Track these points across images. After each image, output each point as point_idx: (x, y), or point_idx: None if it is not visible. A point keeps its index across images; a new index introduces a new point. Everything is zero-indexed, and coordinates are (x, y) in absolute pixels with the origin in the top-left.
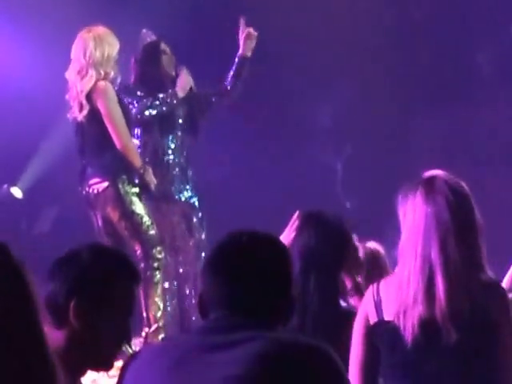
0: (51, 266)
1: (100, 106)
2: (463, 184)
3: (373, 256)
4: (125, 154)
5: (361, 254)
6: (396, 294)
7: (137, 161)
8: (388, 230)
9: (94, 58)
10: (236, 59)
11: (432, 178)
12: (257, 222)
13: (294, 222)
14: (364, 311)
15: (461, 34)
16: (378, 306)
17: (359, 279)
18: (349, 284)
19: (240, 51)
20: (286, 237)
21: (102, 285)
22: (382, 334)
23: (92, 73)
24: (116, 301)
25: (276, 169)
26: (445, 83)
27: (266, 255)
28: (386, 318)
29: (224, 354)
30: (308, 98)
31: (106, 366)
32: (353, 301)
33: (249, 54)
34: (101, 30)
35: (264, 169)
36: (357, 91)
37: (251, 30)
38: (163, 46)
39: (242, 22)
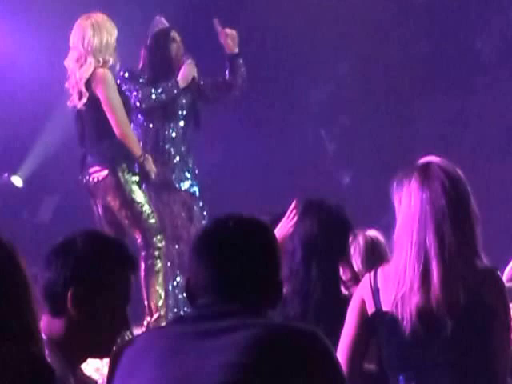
0: (47, 255)
1: (99, 93)
2: (459, 170)
3: (372, 244)
4: (124, 141)
5: (361, 242)
6: (393, 282)
7: (136, 149)
8: (384, 215)
9: (92, 46)
10: (226, 60)
11: (427, 164)
12: (258, 208)
13: (292, 211)
14: (359, 296)
15: (461, 19)
16: (375, 294)
17: (359, 267)
18: (348, 273)
19: (226, 51)
20: (285, 225)
21: (99, 272)
22: (379, 324)
23: (91, 60)
24: (113, 288)
25: (276, 155)
26: (444, 69)
27: (253, 239)
28: (384, 307)
29: (216, 341)
30: (304, 83)
31: (105, 354)
32: (353, 290)
33: (235, 50)
34: (99, 16)
35: (263, 155)
36: (355, 75)
37: (227, 30)
38: (173, 33)
39: (216, 24)
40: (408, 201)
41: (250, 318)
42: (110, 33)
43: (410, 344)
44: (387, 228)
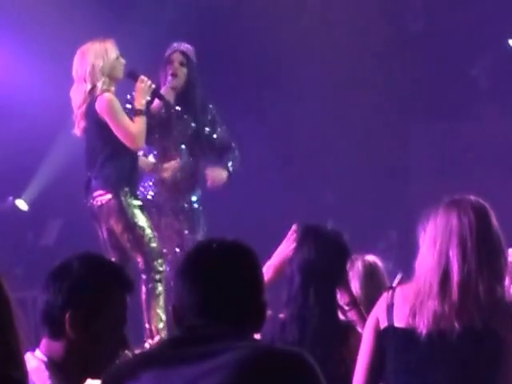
0: (46, 278)
1: (105, 116)
2: (487, 205)
3: (371, 269)
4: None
5: (359, 267)
6: (411, 296)
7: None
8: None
9: (88, 72)
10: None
11: (456, 197)
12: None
13: (291, 235)
14: (375, 315)
15: (458, 47)
16: (389, 310)
17: (358, 292)
18: (346, 298)
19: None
20: (284, 248)
21: (95, 295)
22: (390, 336)
23: (87, 87)
24: (110, 310)
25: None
26: (442, 96)
27: (236, 263)
28: (397, 323)
29: (202, 365)
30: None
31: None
32: (350, 314)
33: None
34: (86, 45)
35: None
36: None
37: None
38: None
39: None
40: (434, 221)
41: (236, 340)
42: (106, 56)
43: (418, 359)
44: (384, 253)
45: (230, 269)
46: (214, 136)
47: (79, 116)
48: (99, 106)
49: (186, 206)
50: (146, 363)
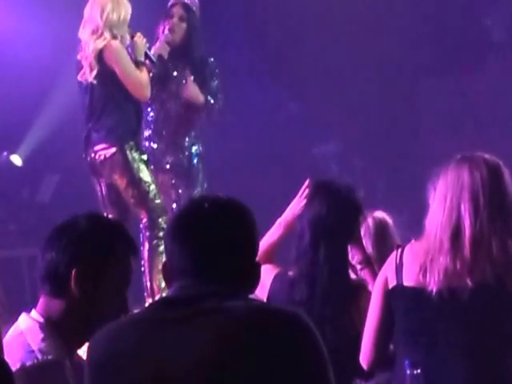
0: (49, 236)
1: (114, 64)
2: (500, 162)
3: (381, 225)
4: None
5: (370, 224)
6: (421, 254)
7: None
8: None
9: (110, 20)
10: None
11: (467, 154)
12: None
13: (304, 191)
14: (383, 275)
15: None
16: (398, 270)
17: (369, 250)
18: (359, 256)
19: None
20: (296, 204)
21: (102, 252)
22: (399, 296)
23: (107, 34)
24: (115, 268)
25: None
26: (454, 48)
27: (229, 220)
28: (406, 282)
29: (193, 325)
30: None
31: None
32: (363, 273)
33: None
34: None
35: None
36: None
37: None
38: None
39: None
40: (444, 177)
41: (228, 299)
42: (127, 9)
43: (427, 316)
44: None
45: (221, 229)
46: (211, 87)
47: (89, 61)
48: (107, 54)
49: (184, 161)
50: (135, 325)
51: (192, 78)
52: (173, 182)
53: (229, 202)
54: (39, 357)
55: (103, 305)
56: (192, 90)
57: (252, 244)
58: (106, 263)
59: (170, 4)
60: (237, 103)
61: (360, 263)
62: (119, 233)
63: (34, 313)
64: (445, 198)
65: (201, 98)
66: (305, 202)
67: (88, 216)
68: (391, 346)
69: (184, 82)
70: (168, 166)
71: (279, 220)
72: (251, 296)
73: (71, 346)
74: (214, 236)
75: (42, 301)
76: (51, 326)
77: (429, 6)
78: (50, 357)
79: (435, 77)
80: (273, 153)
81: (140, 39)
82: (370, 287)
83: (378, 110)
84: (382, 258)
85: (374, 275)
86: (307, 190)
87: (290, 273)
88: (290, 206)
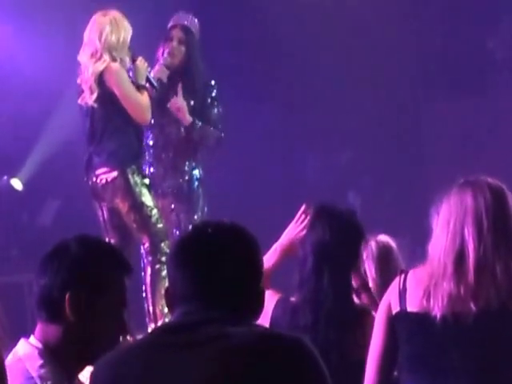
0: (42, 261)
1: (114, 87)
2: (504, 186)
3: (385, 249)
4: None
5: (373, 248)
6: (425, 279)
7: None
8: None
9: (109, 42)
10: None
11: (470, 179)
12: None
13: (300, 216)
14: (387, 300)
15: (473, 19)
16: (402, 295)
17: (373, 274)
18: (357, 281)
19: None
20: (293, 229)
21: (95, 275)
22: (403, 321)
23: (106, 57)
24: (110, 291)
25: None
26: (458, 70)
27: (233, 246)
28: (409, 308)
29: (196, 352)
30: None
31: None
32: (361, 298)
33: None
34: (117, 14)
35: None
36: (369, 78)
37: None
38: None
39: None
40: (447, 201)
41: (231, 326)
42: (126, 31)
43: (431, 342)
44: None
45: (225, 254)
46: (211, 113)
47: (89, 84)
48: (107, 77)
49: (184, 185)
50: (137, 351)
51: (182, 92)
52: (172, 206)
53: (232, 228)
54: (38, 383)
55: (100, 328)
56: (180, 106)
57: (256, 270)
58: (100, 286)
59: (169, 26)
60: (236, 127)
61: (358, 288)
62: (111, 254)
63: (32, 339)
64: (448, 223)
65: (188, 117)
66: (303, 226)
67: (79, 239)
68: (395, 372)
69: (174, 96)
70: (168, 191)
71: (275, 245)
72: (256, 322)
73: (71, 371)
74: (218, 262)
75: (39, 326)
76: (50, 352)
77: (433, 31)
78: (49, 383)
79: (438, 101)
80: (272, 176)
81: (141, 63)
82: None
83: (382, 134)
84: (385, 282)
85: (372, 300)
86: (303, 215)
87: (292, 298)
88: (287, 230)
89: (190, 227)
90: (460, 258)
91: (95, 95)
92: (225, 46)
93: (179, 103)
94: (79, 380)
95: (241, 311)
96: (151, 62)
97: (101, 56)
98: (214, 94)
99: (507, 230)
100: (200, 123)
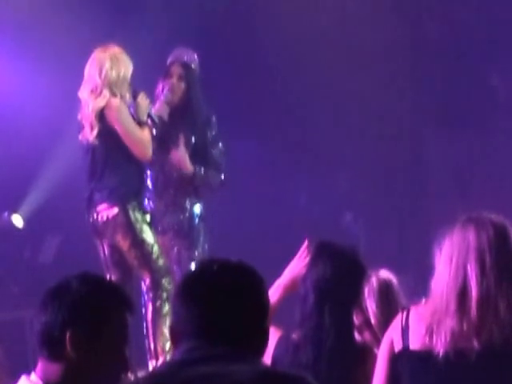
0: (43, 298)
1: (115, 123)
2: (506, 222)
3: (386, 285)
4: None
5: (374, 284)
6: (427, 316)
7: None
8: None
9: (109, 78)
10: None
11: (472, 216)
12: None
13: (303, 252)
14: (389, 338)
15: (475, 56)
16: (404, 333)
17: (374, 310)
18: (360, 318)
19: None
20: (296, 265)
21: (96, 313)
22: (405, 359)
23: (106, 93)
24: (111, 329)
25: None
26: (459, 106)
27: (238, 284)
28: (412, 345)
29: None
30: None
31: None
32: (363, 336)
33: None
34: (116, 49)
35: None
36: (367, 116)
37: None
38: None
39: None
40: (450, 238)
41: (236, 363)
42: (126, 67)
43: (434, 379)
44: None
45: (230, 292)
46: (213, 153)
47: (89, 121)
48: (107, 113)
49: (185, 222)
50: None
51: (184, 142)
52: (172, 243)
53: (238, 266)
54: None
55: (102, 366)
56: (181, 157)
57: (261, 308)
58: (101, 324)
59: (168, 62)
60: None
61: (360, 325)
62: (113, 292)
63: (33, 376)
64: (451, 259)
65: (189, 167)
66: (305, 263)
67: (80, 276)
68: None
69: (176, 146)
70: (168, 227)
71: (277, 282)
72: (260, 359)
73: None
74: (222, 299)
75: (40, 364)
76: None
77: (436, 64)
78: None
79: (442, 136)
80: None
81: (143, 100)
82: (374, 349)
83: (385, 167)
84: (387, 318)
85: (374, 337)
86: (306, 251)
87: (294, 336)
88: (289, 267)
89: (196, 264)
90: (463, 294)
91: (96, 131)
92: (219, 85)
93: (180, 154)
94: None
95: (245, 348)
96: (150, 98)
97: (101, 92)
98: (214, 132)
99: (510, 266)
100: (202, 168)
